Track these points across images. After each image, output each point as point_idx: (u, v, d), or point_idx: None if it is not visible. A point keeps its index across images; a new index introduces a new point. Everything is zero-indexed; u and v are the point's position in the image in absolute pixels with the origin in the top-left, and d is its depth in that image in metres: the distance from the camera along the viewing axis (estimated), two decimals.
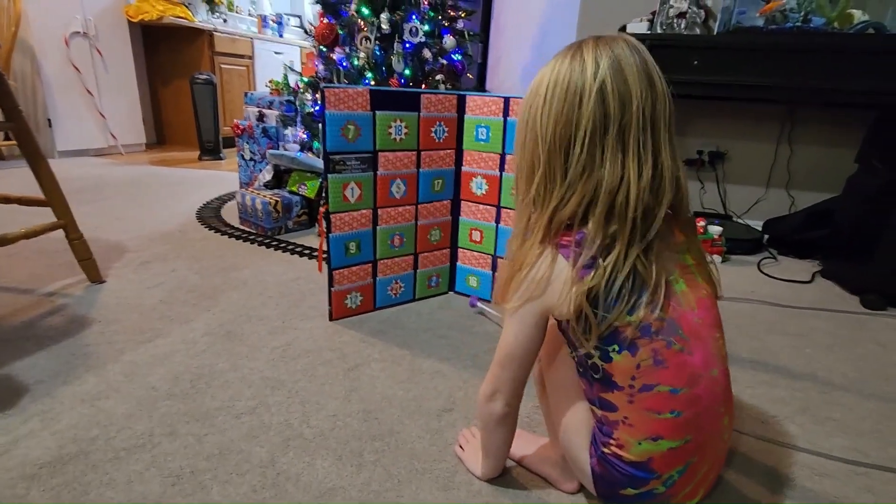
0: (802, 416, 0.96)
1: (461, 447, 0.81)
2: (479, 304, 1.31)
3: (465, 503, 0.72)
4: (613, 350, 0.57)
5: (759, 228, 2.09)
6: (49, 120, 3.13)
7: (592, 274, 0.56)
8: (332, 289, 1.23)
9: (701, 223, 1.82)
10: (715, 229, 1.82)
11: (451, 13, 2.04)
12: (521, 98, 1.17)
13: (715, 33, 1.73)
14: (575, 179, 0.57)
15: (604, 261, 0.56)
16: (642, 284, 0.56)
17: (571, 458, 0.68)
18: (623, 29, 1.82)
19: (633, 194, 0.55)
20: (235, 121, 2.31)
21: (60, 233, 1.32)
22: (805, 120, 2.04)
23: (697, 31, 1.71)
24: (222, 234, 1.89)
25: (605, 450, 0.61)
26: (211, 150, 3.65)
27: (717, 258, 1.82)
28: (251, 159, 2.32)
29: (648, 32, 1.74)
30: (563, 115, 0.56)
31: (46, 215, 1.31)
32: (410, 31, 1.92)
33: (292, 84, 2.24)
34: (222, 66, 3.93)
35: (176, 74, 3.93)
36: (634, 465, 0.59)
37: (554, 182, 0.59)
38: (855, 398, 1.03)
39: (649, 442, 0.57)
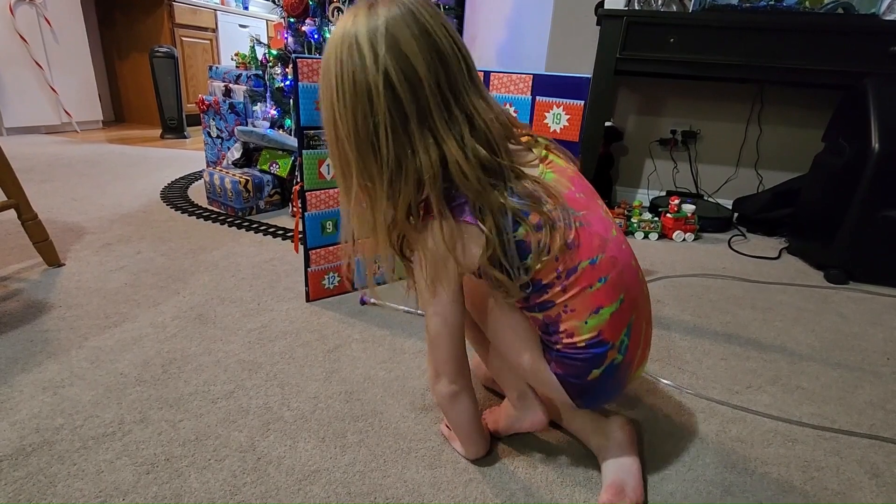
0: (773, 386, 1.00)
1: (446, 426, 0.81)
2: (369, 300, 1.24)
3: (451, 482, 0.72)
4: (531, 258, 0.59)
5: (729, 207, 2.15)
6: None
7: (489, 220, 0.57)
8: (309, 269, 1.19)
9: (675, 202, 1.85)
10: (688, 207, 1.86)
11: None
12: (500, 72, 1.15)
13: (690, 11, 1.73)
14: (395, 172, 0.56)
15: (488, 206, 0.57)
16: (538, 199, 0.58)
17: (534, 376, 0.68)
18: (601, 5, 1.80)
19: (464, 163, 0.55)
20: (201, 96, 2.20)
21: (11, 213, 1.24)
22: (774, 100, 2.08)
23: (674, 8, 1.71)
24: (190, 215, 1.81)
25: (558, 346, 0.63)
26: (174, 127, 3.49)
27: (689, 235, 1.86)
28: (218, 136, 2.22)
29: (626, 9, 1.73)
30: (359, 113, 0.54)
31: None
32: None
33: (260, 57, 2.14)
34: (183, 38, 3.73)
35: (134, 47, 3.72)
36: (589, 345, 0.62)
37: (372, 179, 0.57)
38: (821, 367, 1.08)
39: (594, 316, 0.61)
